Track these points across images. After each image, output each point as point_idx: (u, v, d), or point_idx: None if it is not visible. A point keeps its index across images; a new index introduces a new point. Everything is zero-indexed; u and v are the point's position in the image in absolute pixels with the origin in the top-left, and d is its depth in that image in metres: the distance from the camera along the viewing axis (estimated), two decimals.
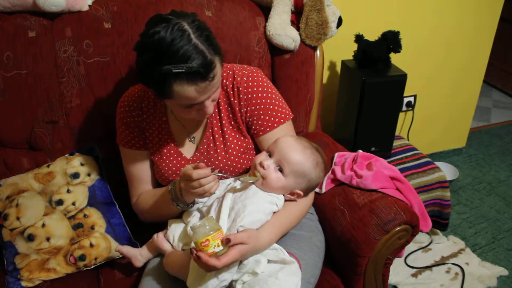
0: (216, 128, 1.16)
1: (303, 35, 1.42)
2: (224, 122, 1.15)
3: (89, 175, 1.30)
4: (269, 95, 1.15)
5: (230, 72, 1.15)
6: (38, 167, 1.31)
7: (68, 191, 1.26)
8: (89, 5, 1.32)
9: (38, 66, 1.28)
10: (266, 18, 1.43)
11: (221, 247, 0.90)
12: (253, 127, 1.15)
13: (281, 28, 1.38)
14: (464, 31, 2.14)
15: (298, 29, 1.43)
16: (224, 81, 1.14)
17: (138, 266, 1.14)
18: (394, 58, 1.82)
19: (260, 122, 1.14)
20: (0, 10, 1.27)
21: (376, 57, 1.73)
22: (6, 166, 1.34)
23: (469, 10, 2.09)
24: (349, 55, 1.86)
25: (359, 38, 1.77)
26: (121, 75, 1.33)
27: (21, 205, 1.21)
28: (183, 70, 0.90)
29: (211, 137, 1.16)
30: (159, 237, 1.12)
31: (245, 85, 1.13)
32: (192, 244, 0.93)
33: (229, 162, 1.14)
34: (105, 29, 1.30)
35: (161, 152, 1.18)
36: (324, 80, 1.97)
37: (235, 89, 1.14)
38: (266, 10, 1.44)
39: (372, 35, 1.77)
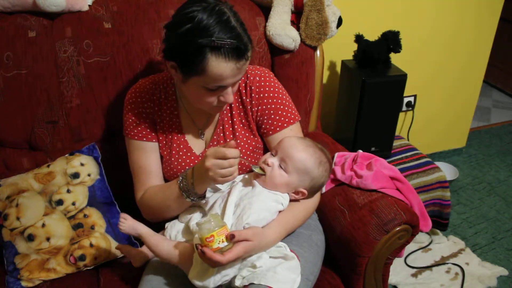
0: (227, 126, 1.17)
1: (303, 35, 1.42)
2: (235, 120, 1.16)
3: (89, 175, 1.30)
4: (280, 95, 1.16)
5: None
6: (38, 167, 1.31)
7: (68, 191, 1.26)
8: (89, 5, 1.32)
9: (38, 66, 1.28)
10: (266, 18, 1.43)
11: (225, 243, 0.90)
12: (263, 126, 1.17)
13: (281, 28, 1.38)
14: (464, 31, 2.14)
15: (298, 29, 1.42)
16: None
17: (137, 266, 1.14)
18: (394, 58, 1.82)
19: (270, 121, 1.16)
20: (0, 10, 1.27)
21: (376, 57, 1.73)
22: (6, 166, 1.34)
23: (469, 10, 2.09)
24: (349, 55, 1.86)
25: (359, 38, 1.77)
26: (121, 75, 1.33)
27: (21, 205, 1.21)
28: (226, 42, 0.90)
29: (222, 134, 1.17)
30: (128, 219, 1.03)
31: (257, 84, 1.14)
32: (197, 239, 0.94)
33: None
34: (105, 29, 1.30)
35: (171, 146, 1.17)
36: (324, 80, 1.97)
37: (248, 88, 1.15)
38: (266, 10, 1.44)
39: (372, 35, 1.77)
